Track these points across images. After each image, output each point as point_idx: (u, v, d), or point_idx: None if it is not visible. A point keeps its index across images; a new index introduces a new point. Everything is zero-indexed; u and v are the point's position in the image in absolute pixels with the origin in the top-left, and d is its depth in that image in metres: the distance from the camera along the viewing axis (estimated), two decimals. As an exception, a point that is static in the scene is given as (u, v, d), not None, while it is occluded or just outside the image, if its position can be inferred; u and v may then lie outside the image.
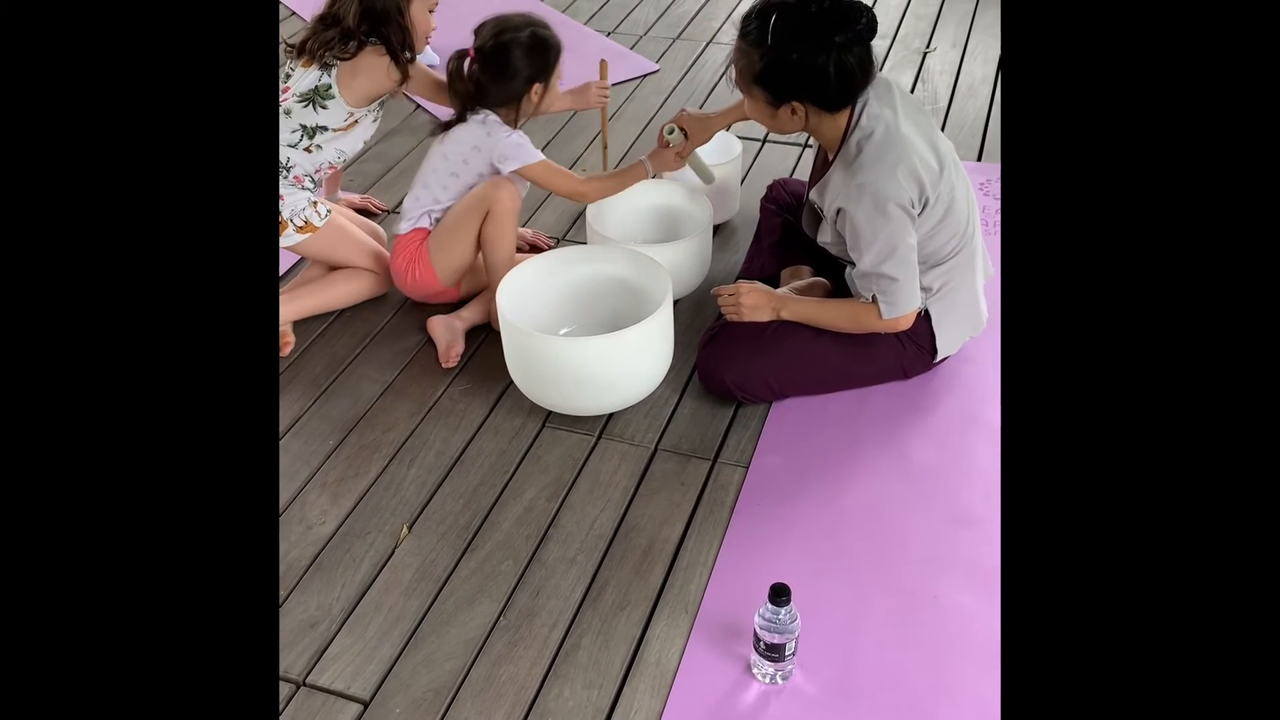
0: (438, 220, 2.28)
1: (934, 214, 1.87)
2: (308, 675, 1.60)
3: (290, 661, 1.61)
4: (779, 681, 1.56)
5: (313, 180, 2.29)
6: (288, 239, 2.23)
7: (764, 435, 2.00)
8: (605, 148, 2.58)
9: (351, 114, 2.22)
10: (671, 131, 2.26)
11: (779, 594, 1.48)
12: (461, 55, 2.20)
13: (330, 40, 2.14)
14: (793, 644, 1.52)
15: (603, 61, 2.42)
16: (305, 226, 2.23)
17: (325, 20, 2.17)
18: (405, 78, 2.20)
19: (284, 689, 1.58)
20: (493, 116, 2.21)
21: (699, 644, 1.62)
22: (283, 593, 1.72)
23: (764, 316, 2.01)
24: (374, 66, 2.17)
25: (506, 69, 2.16)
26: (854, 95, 1.83)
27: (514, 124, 2.23)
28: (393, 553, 1.79)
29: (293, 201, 2.22)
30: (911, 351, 2.03)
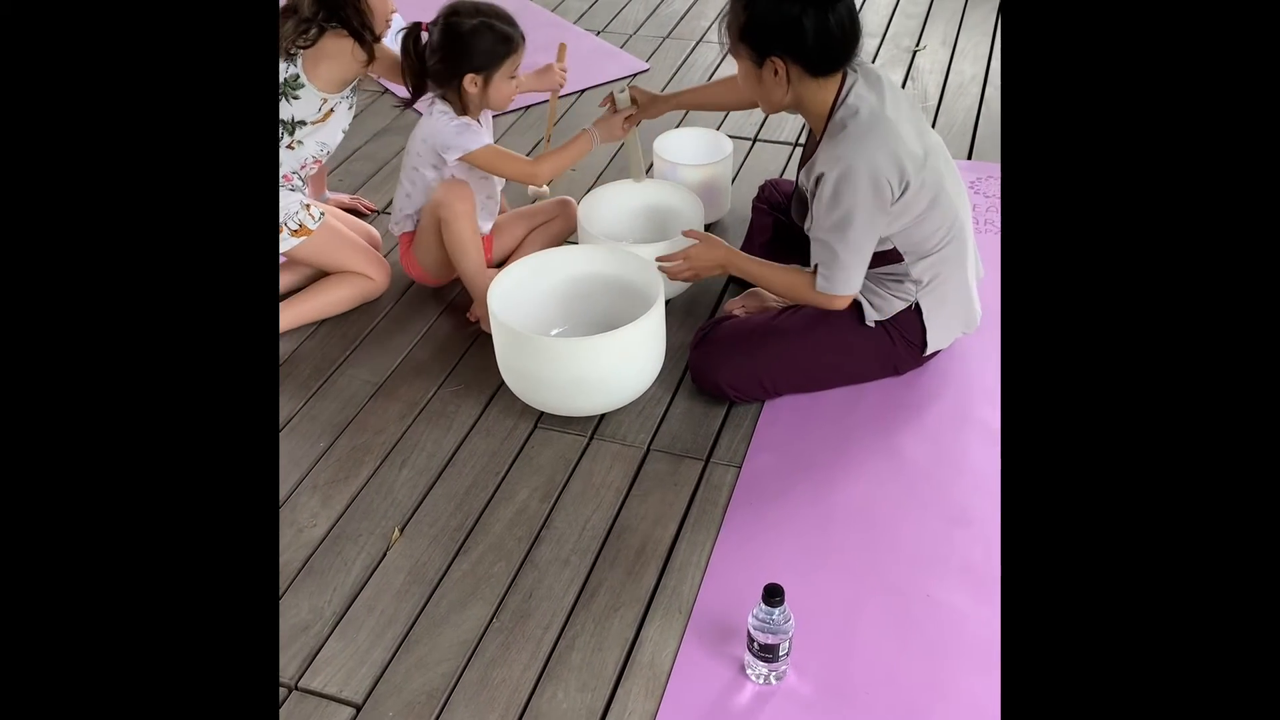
0: (418, 223, 2.29)
1: (918, 201, 1.87)
2: (300, 679, 1.59)
3: (282, 665, 1.61)
4: (773, 682, 1.55)
5: (300, 178, 2.28)
6: (283, 243, 2.22)
7: (756, 435, 2.00)
8: (550, 130, 2.52)
9: (325, 100, 2.20)
10: (622, 91, 2.26)
11: (772, 594, 1.48)
12: (416, 28, 2.15)
13: (289, 31, 2.13)
14: (786, 644, 1.52)
15: (561, 45, 2.38)
16: (300, 230, 2.22)
17: (282, 13, 2.15)
18: (371, 58, 2.17)
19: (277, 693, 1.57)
20: (439, 105, 2.16)
21: (692, 645, 1.61)
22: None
23: (714, 271, 2.05)
24: (338, 50, 2.14)
25: (447, 51, 2.09)
26: (835, 57, 1.82)
27: (464, 113, 2.17)
28: (384, 555, 1.79)
29: (285, 204, 2.21)
30: (901, 347, 2.03)
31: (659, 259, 2.06)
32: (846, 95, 1.85)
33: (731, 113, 3.10)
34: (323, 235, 2.26)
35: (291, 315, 2.28)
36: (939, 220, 1.91)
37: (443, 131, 2.14)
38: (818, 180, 1.86)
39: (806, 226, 2.03)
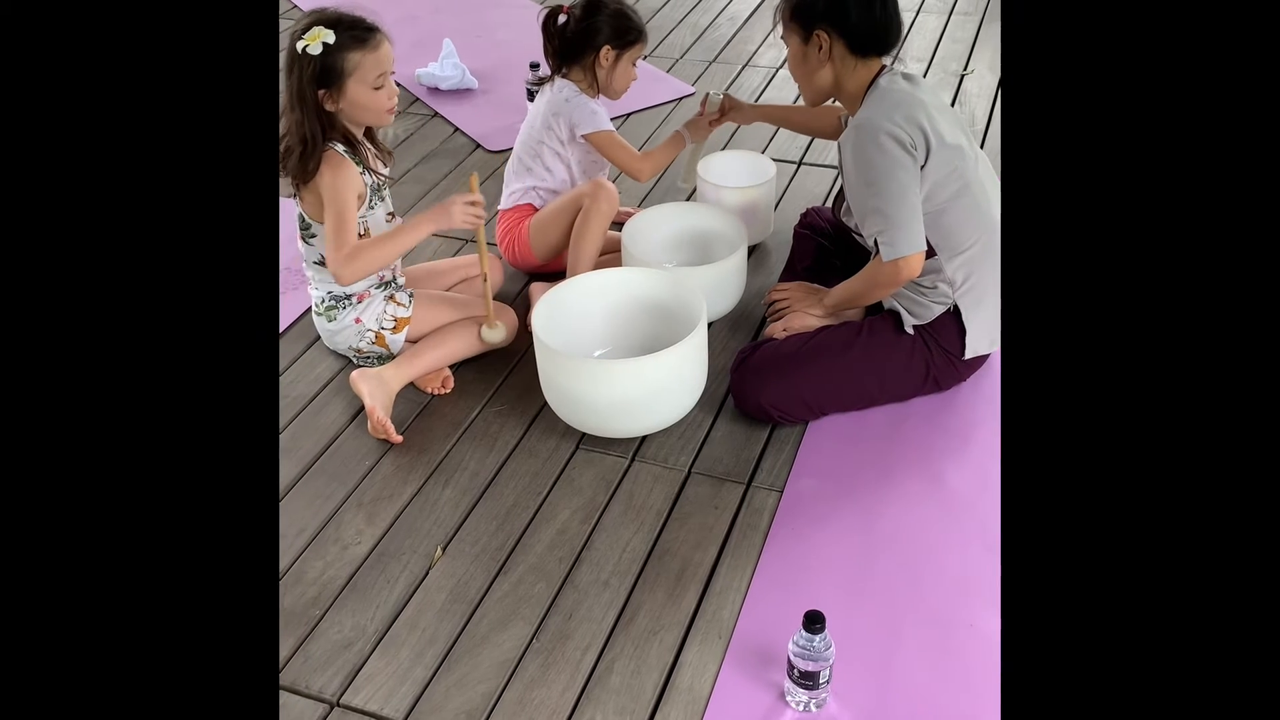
0: (545, 200, 2.39)
1: (944, 180, 1.88)
2: (342, 695, 1.61)
3: (324, 681, 1.62)
4: (813, 709, 1.54)
5: (375, 283, 2.19)
6: (395, 345, 2.18)
7: (798, 459, 1.99)
8: (486, 283, 2.18)
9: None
10: (717, 94, 2.42)
11: (814, 621, 1.47)
12: (555, 11, 2.31)
13: (293, 169, 2.01)
14: (827, 671, 1.51)
15: (472, 175, 2.10)
16: (398, 324, 2.17)
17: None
18: (366, 168, 2.05)
19: (318, 709, 1.59)
20: (570, 86, 2.33)
21: (732, 670, 1.61)
22: (318, 612, 1.74)
23: (816, 310, 2.11)
24: (325, 172, 1.99)
25: (591, 22, 2.27)
26: (875, 37, 1.92)
27: (591, 93, 2.34)
28: (426, 574, 1.80)
29: (372, 313, 2.16)
30: (939, 356, 2.02)
31: (767, 301, 2.23)
32: (880, 80, 1.94)
33: (779, 136, 3.10)
34: (421, 309, 2.19)
35: (416, 365, 2.16)
36: (970, 210, 1.93)
37: (580, 108, 2.31)
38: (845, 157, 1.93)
39: (845, 219, 2.06)
